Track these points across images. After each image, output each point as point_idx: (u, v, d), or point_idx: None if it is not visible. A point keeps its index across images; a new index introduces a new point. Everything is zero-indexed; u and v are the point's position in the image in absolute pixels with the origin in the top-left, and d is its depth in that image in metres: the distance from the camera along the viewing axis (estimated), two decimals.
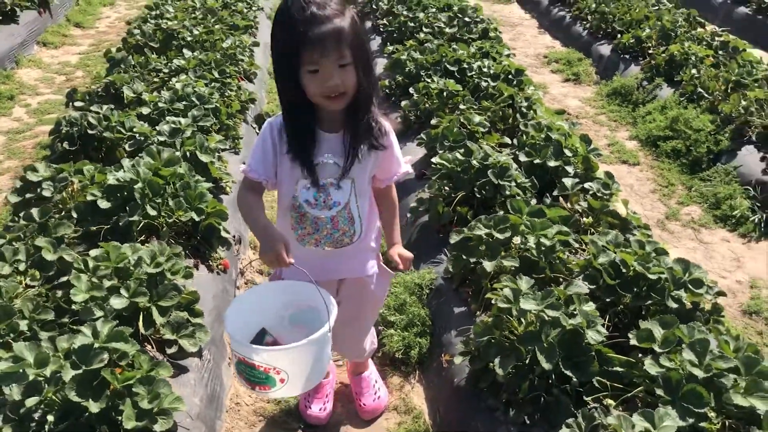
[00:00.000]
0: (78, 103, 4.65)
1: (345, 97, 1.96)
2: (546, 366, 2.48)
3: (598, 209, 3.52)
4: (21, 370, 2.30)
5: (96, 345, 2.38)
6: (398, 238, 2.46)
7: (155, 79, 5.06)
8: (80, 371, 2.30)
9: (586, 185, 3.77)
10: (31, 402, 2.23)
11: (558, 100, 6.50)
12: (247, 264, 3.88)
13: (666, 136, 5.40)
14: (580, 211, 3.61)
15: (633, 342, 2.57)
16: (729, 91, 5.44)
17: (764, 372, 2.33)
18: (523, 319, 2.65)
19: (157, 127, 4.08)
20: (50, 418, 2.24)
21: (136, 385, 2.34)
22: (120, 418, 2.27)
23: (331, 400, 2.94)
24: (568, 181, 3.74)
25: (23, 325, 2.58)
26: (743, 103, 5.10)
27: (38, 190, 3.51)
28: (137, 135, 4.01)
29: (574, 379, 2.50)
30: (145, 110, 4.40)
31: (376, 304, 2.68)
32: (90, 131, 4.06)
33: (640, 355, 2.56)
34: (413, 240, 3.87)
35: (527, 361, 2.57)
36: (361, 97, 2.00)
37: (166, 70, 5.17)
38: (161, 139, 3.95)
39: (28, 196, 3.54)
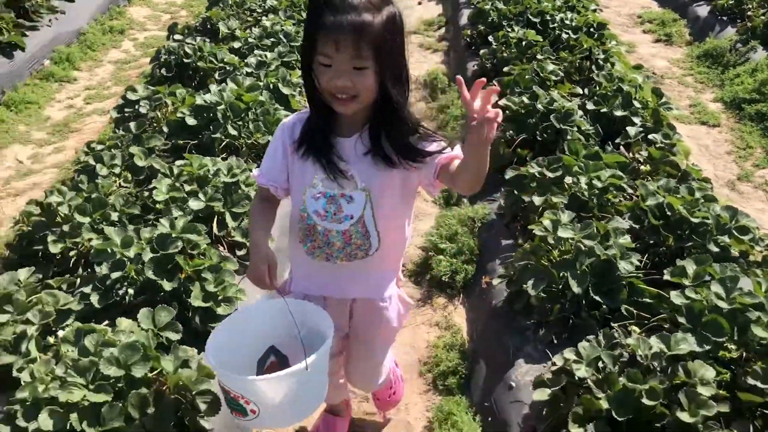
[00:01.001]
0: (177, 36, 5.02)
1: (356, 102, 1.70)
2: (576, 290, 2.63)
3: (658, 159, 3.56)
4: (109, 249, 2.67)
5: (173, 234, 2.72)
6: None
7: (248, 18, 5.37)
8: (158, 255, 2.64)
9: (651, 136, 3.80)
10: (115, 275, 2.59)
11: (645, 60, 6.38)
12: None
13: (752, 99, 5.25)
14: (641, 160, 3.65)
15: (666, 277, 2.67)
16: None
17: None
18: (559, 247, 2.79)
19: (245, 60, 4.38)
20: (130, 291, 2.60)
21: (204, 271, 2.67)
22: (189, 299, 2.60)
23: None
24: (631, 130, 3.78)
25: (114, 216, 2.95)
26: None
27: (136, 107, 3.90)
28: (227, 65, 4.33)
29: (603, 306, 2.64)
30: (236, 44, 4.72)
31: (389, 335, 2.26)
32: (185, 60, 4.43)
33: (671, 290, 2.66)
34: None
35: (560, 287, 2.73)
36: (385, 108, 1.73)
37: (259, 10, 5.48)
38: (248, 70, 4.25)
39: (127, 112, 3.93)
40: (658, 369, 2.26)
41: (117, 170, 3.32)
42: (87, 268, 2.79)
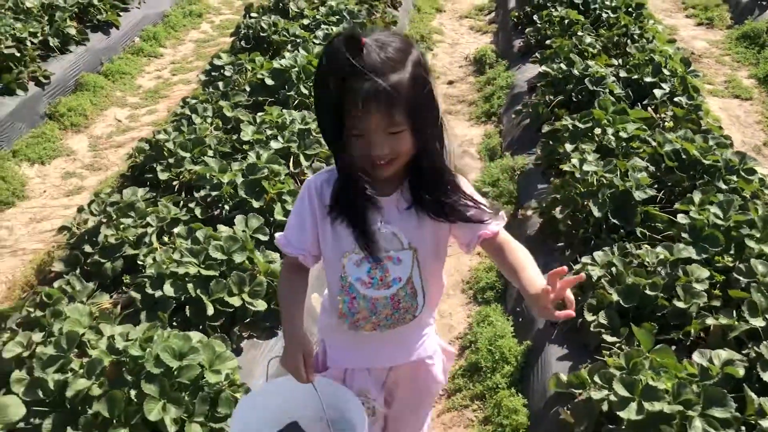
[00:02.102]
0: (253, 14, 5.61)
1: (395, 164, 1.55)
2: (597, 214, 3.08)
3: (681, 117, 3.95)
4: (208, 175, 3.23)
5: (258, 164, 3.27)
6: (540, 279, 1.57)
7: (315, 1, 5.93)
8: (247, 179, 3.19)
9: (676, 99, 4.18)
10: (215, 193, 3.15)
11: (685, 41, 6.70)
12: None
13: None
14: (666, 119, 4.04)
15: (676, 206, 3.08)
16: None
17: None
18: (585, 180, 3.24)
19: (314, 33, 4.93)
20: (226, 207, 3.15)
21: (284, 194, 3.21)
22: (272, 215, 3.14)
23: None
24: (657, 92, 4.18)
25: (210, 152, 3.52)
26: None
27: (221, 71, 4.48)
28: (297, 38, 4.89)
29: (621, 230, 3.08)
30: (305, 21, 5.27)
31: (436, 393, 2.11)
32: (262, 33, 5.00)
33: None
34: (516, 137, 4.50)
35: (584, 214, 3.17)
36: (424, 162, 1.58)
37: None
38: (316, 41, 4.79)
39: (213, 75, 4.52)
40: (662, 271, 2.69)
41: (209, 120, 3.89)
42: (189, 192, 3.36)
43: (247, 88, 4.21)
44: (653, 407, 2.06)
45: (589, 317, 2.65)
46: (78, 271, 2.82)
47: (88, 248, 2.90)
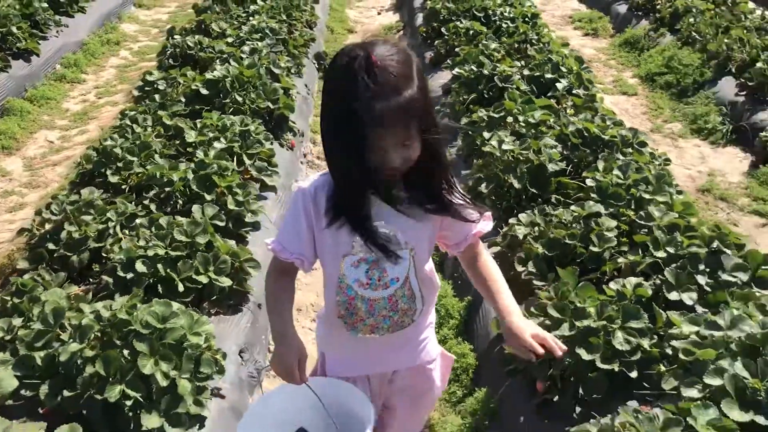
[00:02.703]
0: (176, 36, 5.78)
1: (404, 168, 1.56)
2: (517, 186, 3.47)
3: (580, 105, 4.44)
4: (159, 174, 3.41)
5: (207, 161, 3.48)
6: (515, 306, 1.75)
7: (235, 22, 6.17)
8: (198, 174, 3.39)
9: (574, 91, 4.69)
10: (168, 189, 3.33)
11: (575, 49, 7.36)
12: (308, 153, 4.95)
13: (661, 72, 6.23)
14: (567, 108, 4.53)
15: (584, 174, 3.52)
16: (719, 34, 6.23)
17: (668, 182, 3.26)
18: (503, 158, 3.63)
19: (240, 48, 5.18)
20: (180, 201, 3.34)
21: (234, 186, 3.42)
22: (225, 206, 3.35)
23: None
24: (559, 85, 4.67)
25: (156, 155, 3.68)
26: (726, 41, 5.90)
27: (155, 86, 4.65)
28: (225, 53, 5.11)
29: (539, 198, 3.47)
30: (229, 39, 5.50)
31: (435, 398, 2.13)
32: (189, 51, 5.20)
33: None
34: None
35: (505, 187, 3.56)
36: (433, 164, 1.59)
37: (243, 15, 6.28)
38: (244, 55, 5.04)
39: (147, 89, 4.68)
40: (577, 225, 3.09)
41: (149, 129, 4.05)
42: (139, 194, 3.50)
43: (183, 99, 4.40)
44: (582, 324, 2.42)
45: (519, 268, 3.00)
46: (44, 266, 2.93)
47: (51, 246, 3.01)
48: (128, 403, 2.21)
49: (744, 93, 5.42)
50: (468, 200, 1.68)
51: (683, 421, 2.02)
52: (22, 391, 2.28)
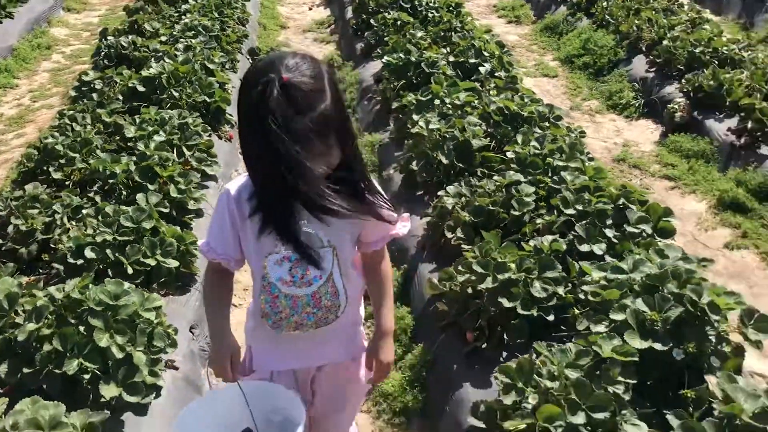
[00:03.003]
0: (110, 38, 5.81)
1: (325, 173, 1.58)
2: (445, 161, 3.70)
3: (502, 86, 4.71)
4: (101, 167, 3.50)
5: (148, 152, 3.59)
6: (388, 325, 1.91)
7: (167, 21, 6.23)
8: (140, 165, 3.50)
9: (497, 74, 4.96)
10: (111, 181, 3.43)
11: (500, 36, 7.67)
12: None
13: (579, 54, 6.59)
14: (489, 90, 4.80)
15: (505, 149, 3.77)
16: (630, 16, 6.62)
17: (581, 150, 3.55)
18: (431, 137, 3.86)
19: (174, 46, 5.26)
20: (123, 192, 3.44)
21: (176, 176, 3.55)
22: (169, 194, 3.47)
23: None
24: (482, 69, 4.94)
25: (98, 151, 3.77)
26: (637, 22, 6.29)
27: (91, 85, 4.70)
28: (159, 51, 5.19)
29: (465, 172, 3.71)
30: (163, 38, 5.57)
31: (361, 393, 2.16)
32: (123, 51, 5.26)
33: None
34: (371, 120, 5.08)
35: (434, 163, 3.78)
36: (350, 167, 1.62)
37: (175, 14, 6.34)
38: (178, 53, 5.13)
39: (83, 89, 4.73)
40: (499, 193, 3.34)
41: (89, 127, 4.13)
42: (83, 188, 3.59)
43: (120, 97, 4.47)
44: (504, 276, 2.66)
45: (449, 235, 3.23)
46: None
47: None
48: (86, 376, 2.33)
49: (653, 69, 5.81)
50: (387, 203, 1.73)
51: (592, 351, 2.28)
52: None
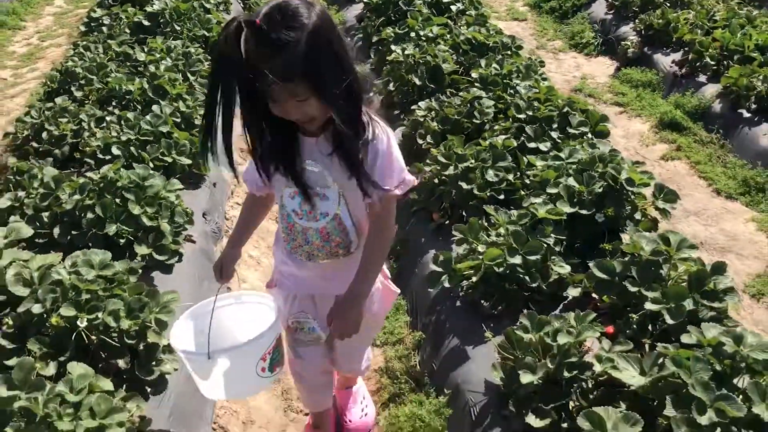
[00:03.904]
0: None
1: (315, 122, 1.64)
2: (418, 83, 4.18)
3: (471, 22, 5.16)
4: (118, 86, 3.94)
5: (158, 73, 4.04)
6: (355, 290, 1.86)
7: None
8: (152, 84, 3.95)
9: (467, 12, 5.41)
10: (127, 98, 3.88)
11: None
12: None
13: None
14: (461, 25, 5.25)
15: (471, 72, 4.25)
16: None
17: (535, 70, 4.04)
18: (406, 62, 4.33)
19: None
20: (139, 107, 3.89)
21: (183, 94, 3.99)
22: (179, 110, 3.92)
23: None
24: (454, 7, 5.38)
25: (114, 74, 4.19)
26: None
27: (99, 21, 5.10)
28: None
29: (436, 93, 4.19)
30: None
31: (376, 323, 2.23)
32: None
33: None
34: (354, 54, 5.52)
35: (409, 87, 4.26)
36: (338, 118, 1.58)
37: None
38: None
39: (92, 25, 5.13)
40: (463, 107, 3.82)
41: (101, 55, 4.55)
42: (102, 105, 4.02)
43: (128, 30, 4.88)
44: (463, 164, 3.17)
45: (420, 141, 3.73)
46: (32, 159, 3.47)
47: (35, 144, 3.54)
48: (122, 241, 2.83)
49: (612, 12, 6.29)
50: (384, 163, 1.72)
51: (530, 213, 2.81)
52: (36, 240, 2.86)
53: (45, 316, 2.29)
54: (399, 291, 2.19)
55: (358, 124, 1.66)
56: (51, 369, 2.16)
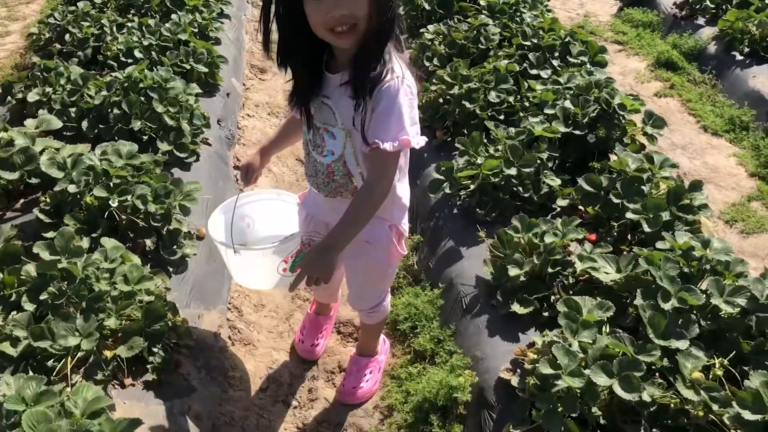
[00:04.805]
0: None
1: (355, 32, 1.59)
2: (427, 7, 4.28)
3: None
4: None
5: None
6: (329, 239, 1.81)
7: None
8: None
9: None
10: (146, 6, 3.97)
11: None
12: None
13: None
14: None
15: (481, 2, 4.34)
16: None
17: (541, 1, 4.14)
18: None
19: None
20: (157, 17, 3.98)
21: (200, 6, 4.08)
22: (196, 20, 4.02)
23: (326, 338, 2.63)
24: None
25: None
26: None
27: None
28: None
29: (444, 18, 4.29)
30: None
31: (374, 270, 2.15)
32: None
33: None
34: None
35: (418, 11, 4.35)
36: (371, 34, 1.61)
37: None
38: None
39: None
40: (469, 32, 3.94)
41: None
42: (121, 12, 4.11)
43: None
44: (467, 85, 3.32)
45: (427, 64, 3.86)
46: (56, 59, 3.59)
47: (58, 45, 3.66)
48: (145, 137, 3.00)
49: None
50: (391, 112, 1.67)
51: (527, 131, 2.98)
52: (64, 132, 3.02)
53: (79, 196, 2.48)
54: (405, 252, 2.14)
55: (381, 53, 1.64)
56: (85, 243, 2.35)
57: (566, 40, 3.69)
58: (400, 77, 1.69)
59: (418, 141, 1.76)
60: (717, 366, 1.93)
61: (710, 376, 1.93)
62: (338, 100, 1.75)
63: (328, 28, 1.60)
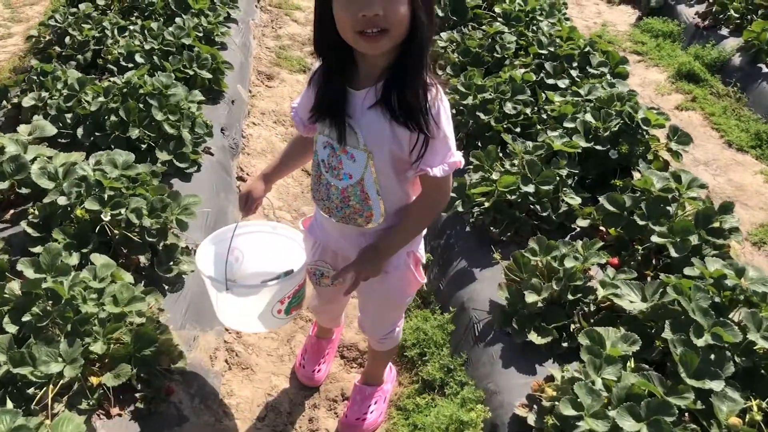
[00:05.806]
0: None
1: (385, 37, 1.45)
2: (441, 14, 4.13)
3: None
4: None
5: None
6: (379, 243, 1.78)
7: None
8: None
9: None
10: (150, 8, 3.84)
11: None
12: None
13: None
14: None
15: (494, 7, 4.19)
16: None
17: (559, 9, 3.99)
18: None
19: None
20: (161, 20, 3.86)
21: (206, 10, 3.95)
22: (201, 24, 3.89)
23: (328, 363, 2.49)
24: None
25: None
26: None
27: None
28: None
29: (459, 25, 4.14)
30: None
31: (393, 299, 2.00)
32: None
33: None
34: None
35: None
36: (413, 46, 1.49)
37: None
38: None
39: None
40: (484, 40, 3.79)
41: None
42: (124, 15, 3.99)
43: None
44: (482, 95, 3.16)
45: (440, 72, 3.71)
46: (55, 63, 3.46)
47: (57, 48, 3.53)
48: (143, 146, 2.86)
49: None
50: (437, 125, 1.58)
51: (546, 145, 2.82)
52: (59, 140, 2.89)
53: (69, 209, 2.34)
54: (425, 281, 2.04)
55: (422, 69, 1.53)
56: (74, 259, 2.20)
57: (586, 49, 3.53)
58: (441, 96, 1.60)
59: (461, 159, 1.67)
60: (755, 409, 1.77)
61: (747, 420, 1.76)
62: (360, 118, 1.60)
63: (357, 31, 1.45)
